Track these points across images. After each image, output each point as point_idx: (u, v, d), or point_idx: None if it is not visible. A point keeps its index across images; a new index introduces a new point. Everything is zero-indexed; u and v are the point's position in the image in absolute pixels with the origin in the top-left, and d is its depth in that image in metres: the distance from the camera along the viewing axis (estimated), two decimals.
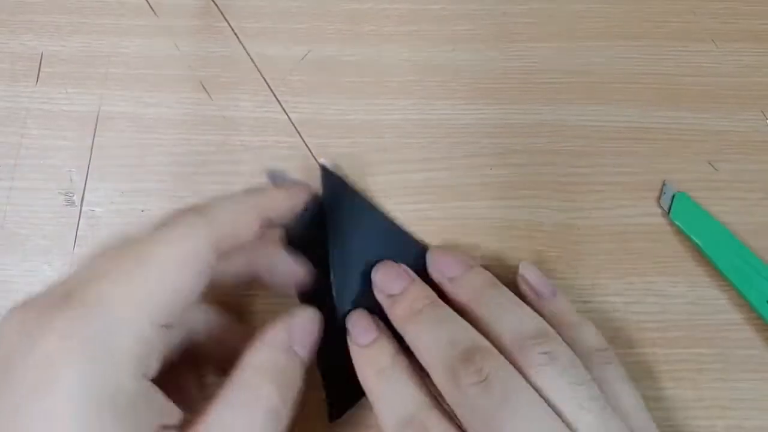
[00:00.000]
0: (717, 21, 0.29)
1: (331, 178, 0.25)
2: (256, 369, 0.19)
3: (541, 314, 0.21)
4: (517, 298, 0.22)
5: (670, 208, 0.26)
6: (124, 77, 0.29)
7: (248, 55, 0.29)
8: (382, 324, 0.22)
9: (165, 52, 0.29)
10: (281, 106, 0.28)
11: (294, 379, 0.20)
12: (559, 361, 0.19)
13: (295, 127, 0.28)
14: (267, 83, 0.29)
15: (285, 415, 0.19)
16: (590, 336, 0.22)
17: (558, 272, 0.26)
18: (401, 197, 0.27)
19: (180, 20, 0.29)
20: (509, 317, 0.21)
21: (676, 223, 0.26)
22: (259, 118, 0.28)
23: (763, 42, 0.29)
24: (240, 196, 0.21)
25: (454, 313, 0.21)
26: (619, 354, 0.25)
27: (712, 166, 0.28)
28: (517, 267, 0.26)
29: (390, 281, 0.22)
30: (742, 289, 0.25)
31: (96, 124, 0.28)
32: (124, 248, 0.18)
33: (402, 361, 0.21)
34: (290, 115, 0.28)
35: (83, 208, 0.27)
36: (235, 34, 0.29)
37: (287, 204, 0.22)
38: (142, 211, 0.27)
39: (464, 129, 0.28)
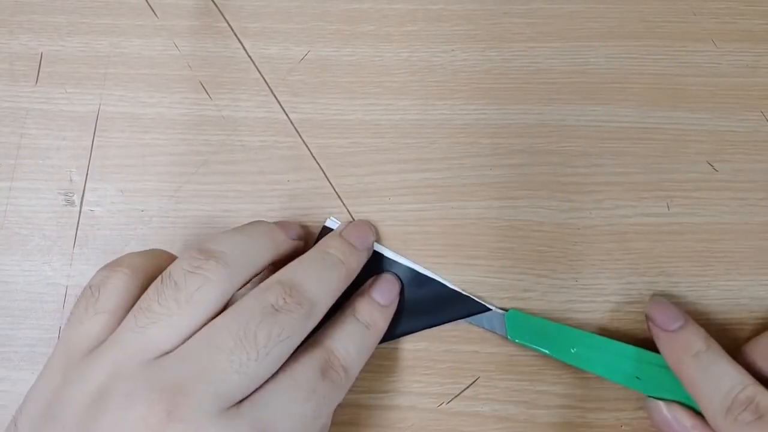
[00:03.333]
0: (717, 21, 0.29)
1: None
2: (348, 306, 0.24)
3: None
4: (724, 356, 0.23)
5: (506, 330, 0.25)
6: (123, 77, 0.29)
7: (248, 55, 0.29)
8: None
9: (164, 52, 0.29)
10: (281, 106, 0.28)
11: (380, 314, 0.24)
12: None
13: (294, 127, 0.28)
14: (266, 83, 0.29)
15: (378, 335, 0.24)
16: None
17: (558, 272, 0.27)
18: (400, 197, 0.27)
19: (179, 20, 0.29)
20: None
21: (517, 341, 0.25)
22: (258, 118, 0.28)
23: (763, 42, 0.29)
24: (257, 237, 0.23)
25: (727, 357, 0.23)
26: None
27: (712, 166, 0.28)
28: (517, 267, 0.27)
29: (668, 319, 0.24)
30: (613, 377, 0.24)
31: (96, 124, 0.28)
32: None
33: (714, 344, 0.23)
34: (290, 115, 0.28)
35: (83, 208, 0.27)
36: (235, 34, 0.29)
37: (293, 244, 0.25)
38: (142, 211, 0.27)
39: (464, 129, 0.28)
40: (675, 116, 0.28)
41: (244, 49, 0.29)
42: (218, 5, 0.29)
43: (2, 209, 0.27)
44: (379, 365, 0.26)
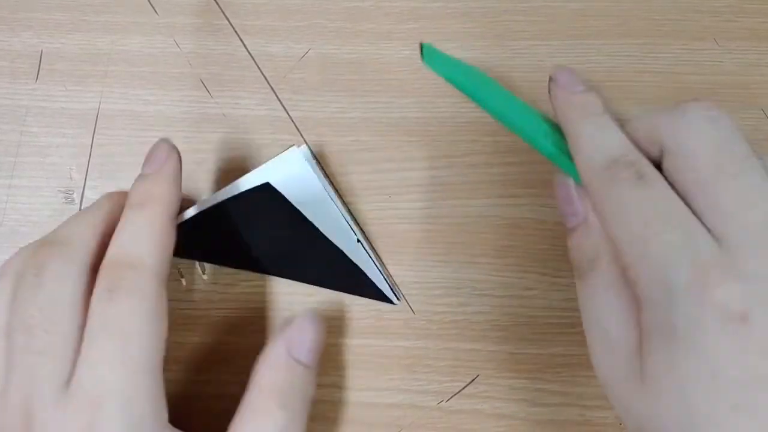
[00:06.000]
0: (718, 19, 0.29)
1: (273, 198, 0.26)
2: (262, 391, 0.21)
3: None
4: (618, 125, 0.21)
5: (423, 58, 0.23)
6: (124, 75, 0.29)
7: (248, 52, 0.29)
8: None
9: (165, 49, 0.29)
10: (281, 103, 0.28)
11: (300, 388, 0.21)
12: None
13: (295, 125, 0.28)
14: (267, 81, 0.29)
15: (297, 424, 0.21)
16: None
17: (560, 270, 0.26)
18: (402, 195, 0.27)
19: (180, 18, 0.29)
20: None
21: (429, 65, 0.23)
22: (259, 116, 0.28)
23: (764, 40, 0.29)
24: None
25: (620, 127, 0.21)
26: None
27: None
28: (519, 265, 0.27)
29: (572, 82, 0.22)
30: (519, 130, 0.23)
31: (96, 122, 0.28)
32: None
33: (612, 114, 0.21)
34: (290, 112, 0.28)
35: (83, 206, 0.27)
36: (236, 31, 0.29)
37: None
38: None
39: (465, 127, 0.28)
40: None
41: (245, 47, 0.29)
42: (219, 3, 0.29)
43: (2, 207, 0.27)
44: (379, 363, 0.26)
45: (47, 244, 0.20)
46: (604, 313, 0.20)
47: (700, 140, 0.19)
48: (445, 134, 0.28)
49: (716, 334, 0.16)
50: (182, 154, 0.28)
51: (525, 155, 0.28)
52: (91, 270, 0.20)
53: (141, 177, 0.22)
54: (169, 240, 0.21)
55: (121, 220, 0.21)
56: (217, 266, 0.26)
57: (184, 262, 0.26)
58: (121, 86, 0.28)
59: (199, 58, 0.29)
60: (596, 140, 0.21)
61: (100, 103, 0.28)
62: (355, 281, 0.26)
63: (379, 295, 0.26)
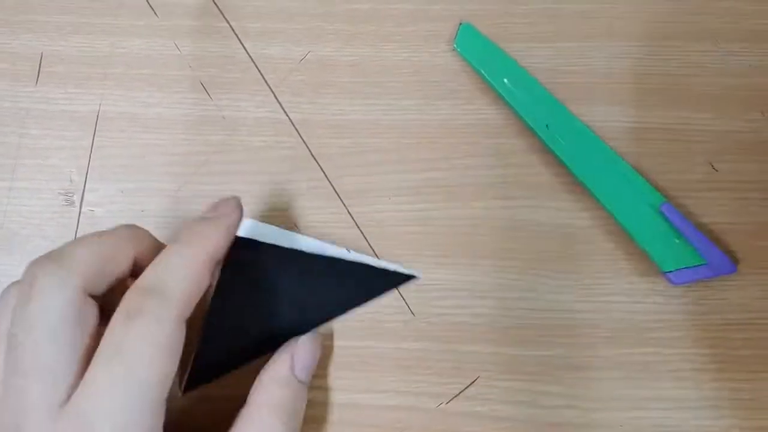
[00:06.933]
0: (719, 21, 0.29)
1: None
2: (263, 406, 0.21)
3: None
4: None
5: (456, 39, 0.28)
6: (124, 77, 0.29)
7: (248, 55, 0.29)
8: None
9: (165, 52, 0.29)
10: (281, 106, 0.28)
11: (299, 405, 0.22)
12: None
13: (294, 127, 0.28)
14: (267, 83, 0.29)
15: None
16: None
17: (559, 272, 0.26)
18: (401, 197, 0.27)
19: (180, 20, 0.29)
20: None
21: (460, 52, 0.28)
22: (258, 118, 0.28)
23: (765, 42, 0.29)
24: (109, 232, 0.21)
25: None
26: (621, 354, 0.26)
27: (712, 166, 0.27)
28: (518, 267, 0.27)
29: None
30: (523, 114, 0.27)
31: (96, 124, 0.28)
32: None
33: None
34: (290, 115, 0.28)
35: (83, 209, 0.27)
36: (235, 34, 0.29)
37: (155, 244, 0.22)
38: (142, 211, 0.27)
39: (464, 129, 0.28)
40: (676, 116, 0.28)
41: (245, 49, 0.29)
42: (219, 5, 0.29)
43: (2, 209, 0.27)
44: (379, 365, 0.26)
45: (45, 258, 0.20)
46: None
47: None
48: (445, 136, 0.28)
49: None
50: (182, 157, 0.28)
51: (524, 157, 0.28)
52: (83, 293, 0.19)
53: (199, 218, 0.22)
54: (203, 282, 0.20)
55: (162, 252, 0.20)
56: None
57: None
58: (121, 89, 0.28)
59: (198, 60, 0.29)
60: None
61: (100, 105, 0.28)
62: (379, 279, 0.26)
63: (402, 278, 0.26)
